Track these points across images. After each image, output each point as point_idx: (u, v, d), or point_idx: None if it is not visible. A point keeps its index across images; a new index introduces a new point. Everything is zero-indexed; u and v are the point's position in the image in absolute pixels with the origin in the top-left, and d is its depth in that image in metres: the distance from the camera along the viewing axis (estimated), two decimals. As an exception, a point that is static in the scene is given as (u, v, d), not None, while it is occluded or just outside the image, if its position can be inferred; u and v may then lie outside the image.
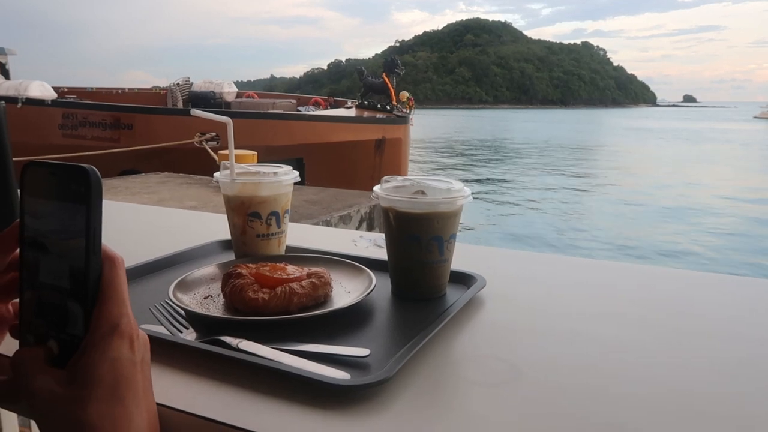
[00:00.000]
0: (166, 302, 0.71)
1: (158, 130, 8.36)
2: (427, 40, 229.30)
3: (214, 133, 7.82)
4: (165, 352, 0.60)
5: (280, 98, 13.31)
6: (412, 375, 0.58)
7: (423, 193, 0.76)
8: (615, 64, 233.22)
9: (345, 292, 0.77)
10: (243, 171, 0.89)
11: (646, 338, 0.68)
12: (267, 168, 0.90)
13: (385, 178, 0.79)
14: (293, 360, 0.58)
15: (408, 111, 10.52)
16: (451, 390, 0.57)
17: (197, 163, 7.17)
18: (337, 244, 1.05)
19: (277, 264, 0.79)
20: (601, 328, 0.70)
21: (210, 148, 7.39)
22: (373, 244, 1.06)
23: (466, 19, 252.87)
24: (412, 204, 0.74)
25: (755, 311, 0.78)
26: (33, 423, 1.32)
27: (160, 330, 0.64)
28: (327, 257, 0.86)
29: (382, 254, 0.95)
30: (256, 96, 13.94)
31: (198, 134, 7.76)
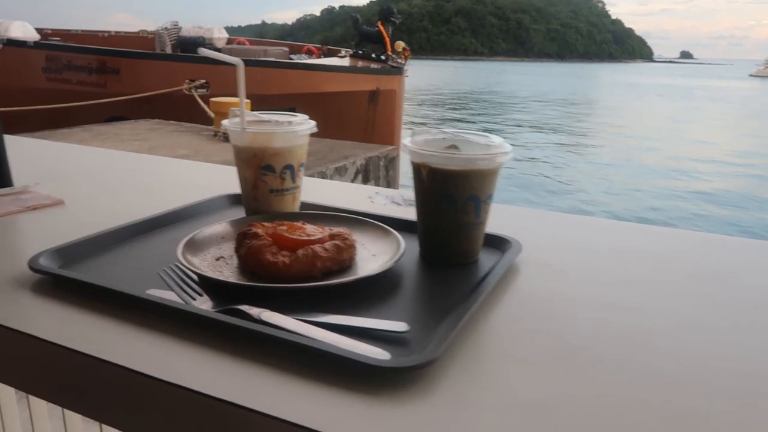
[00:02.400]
0: (176, 265, 0.63)
1: (146, 76, 8.10)
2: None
3: (204, 80, 7.59)
4: (177, 322, 0.54)
5: (272, 45, 12.91)
6: (453, 352, 0.52)
7: (457, 148, 0.68)
8: (613, 17, 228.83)
9: (370, 256, 0.70)
10: (254, 119, 0.81)
11: (699, 311, 0.62)
12: (281, 117, 0.81)
13: (415, 130, 0.71)
14: (323, 334, 0.51)
15: (403, 62, 10.26)
16: (499, 369, 0.50)
17: (186, 111, 6.99)
18: (352, 200, 0.98)
19: (295, 223, 0.71)
20: (648, 298, 0.65)
21: (199, 96, 7.19)
22: (390, 202, 0.99)
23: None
24: (448, 159, 0.66)
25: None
26: (30, 397, 1.27)
27: (171, 297, 0.58)
28: (348, 216, 0.78)
29: (402, 213, 0.89)
30: (247, 43, 13.52)
31: (187, 81, 7.53)
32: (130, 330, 0.53)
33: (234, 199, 0.91)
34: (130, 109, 7.55)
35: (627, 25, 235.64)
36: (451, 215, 0.68)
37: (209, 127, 6.08)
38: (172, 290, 0.58)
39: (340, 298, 0.61)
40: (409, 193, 1.04)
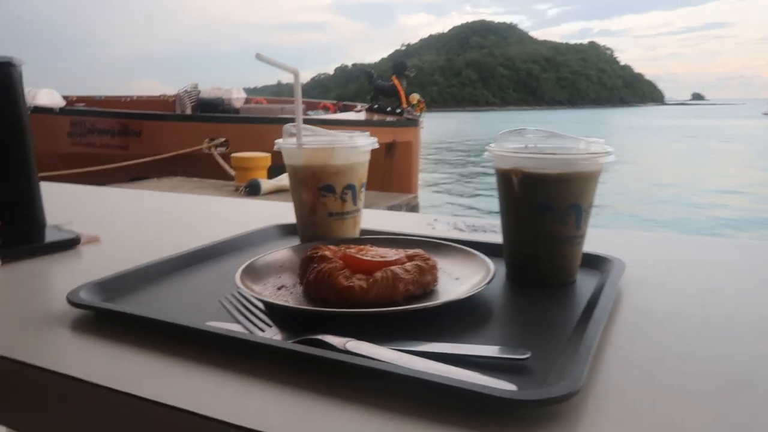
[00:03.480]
0: (237, 294, 0.55)
1: (166, 137, 8.24)
2: (433, 42, 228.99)
3: (223, 139, 7.70)
4: (248, 357, 0.45)
5: (289, 104, 13.16)
6: (589, 382, 0.42)
7: (545, 150, 0.60)
8: (622, 63, 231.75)
9: (453, 280, 0.61)
10: (311, 134, 0.73)
11: None
12: (340, 132, 0.74)
13: (499, 134, 0.62)
14: (426, 364, 0.42)
15: (418, 114, 10.35)
16: (651, 399, 0.40)
17: (207, 170, 7.05)
18: (411, 228, 0.89)
19: (363, 246, 0.63)
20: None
21: (219, 154, 7.27)
22: (453, 228, 0.90)
23: (471, 22, 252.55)
24: (545, 162, 0.57)
25: None
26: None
27: (237, 329, 0.48)
28: (422, 239, 0.69)
29: (470, 237, 0.80)
30: (264, 101, 13.81)
31: (207, 140, 7.65)
32: (189, 369, 0.44)
33: (285, 229, 0.82)
34: (152, 170, 7.64)
35: (636, 70, 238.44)
36: (548, 227, 0.59)
37: (231, 182, 6.10)
38: (237, 321, 0.49)
39: (428, 324, 0.51)
40: (471, 220, 0.96)
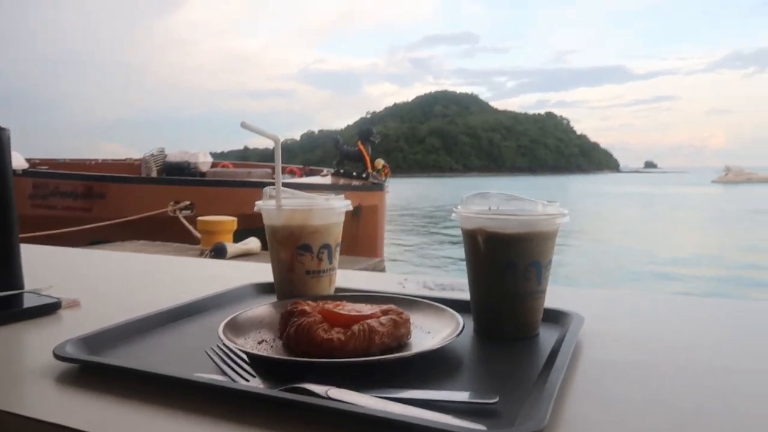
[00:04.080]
0: (222, 346, 0.57)
1: (132, 199, 8.15)
2: (397, 111, 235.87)
3: (188, 202, 7.67)
4: (234, 406, 0.47)
5: (256, 167, 13.25)
6: (555, 423, 0.45)
7: (507, 212, 0.66)
8: (578, 132, 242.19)
9: (425, 333, 0.65)
10: (290, 196, 0.78)
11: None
12: (316, 195, 0.79)
13: (464, 197, 0.68)
14: (403, 409, 0.45)
15: (384, 178, 10.55)
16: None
17: (172, 233, 6.97)
18: (382, 286, 0.93)
19: (339, 303, 0.66)
20: (723, 360, 0.60)
21: (183, 217, 7.22)
22: (422, 287, 0.94)
23: (434, 92, 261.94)
24: (507, 223, 0.63)
25: None
26: None
27: (222, 380, 0.51)
28: (394, 296, 0.73)
29: (439, 295, 0.84)
30: (231, 165, 13.87)
31: (172, 203, 7.60)
32: (178, 419, 0.46)
33: (262, 288, 0.85)
34: (114, 233, 7.50)
35: (592, 139, 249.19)
36: (511, 283, 0.64)
37: (195, 246, 6.04)
38: (223, 372, 0.52)
39: (404, 373, 0.55)
40: (440, 279, 1.00)
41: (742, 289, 9.99)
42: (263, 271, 0.97)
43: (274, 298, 0.80)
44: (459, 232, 0.69)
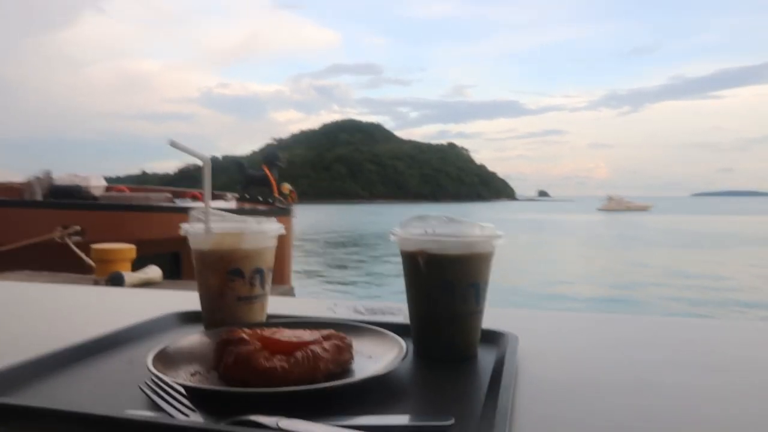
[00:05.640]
0: (154, 380, 0.53)
1: (11, 226, 7.46)
2: (303, 138, 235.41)
3: (78, 227, 7.13)
4: (175, 443, 0.43)
5: (154, 192, 12.62)
6: (507, 443, 0.46)
7: (446, 234, 0.66)
8: (478, 162, 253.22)
9: (366, 358, 0.63)
10: (219, 220, 0.74)
11: (694, 382, 0.61)
12: (247, 218, 0.76)
13: (403, 220, 0.68)
14: (359, 437, 0.43)
15: (290, 203, 10.42)
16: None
17: (61, 261, 6.43)
18: (312, 312, 0.91)
19: (276, 329, 0.64)
20: (657, 376, 0.63)
21: (73, 243, 6.69)
22: (353, 311, 0.93)
23: (340, 120, 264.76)
24: (447, 245, 0.64)
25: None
26: None
27: (157, 415, 0.47)
28: (331, 321, 0.71)
29: (373, 319, 0.83)
30: (127, 190, 13.12)
31: (60, 228, 7.03)
32: (109, 460, 0.42)
33: (186, 317, 0.80)
34: (-6, 263, 6.81)
35: (490, 169, 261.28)
36: (452, 304, 0.64)
37: (89, 276, 5.61)
38: (159, 407, 0.47)
39: (352, 400, 0.53)
40: (370, 303, 0.99)
41: (627, 306, 10.82)
42: (185, 299, 0.92)
43: (201, 328, 0.75)
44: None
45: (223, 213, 0.75)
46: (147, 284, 4.89)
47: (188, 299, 0.93)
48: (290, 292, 6.09)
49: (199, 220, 0.73)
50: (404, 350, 0.60)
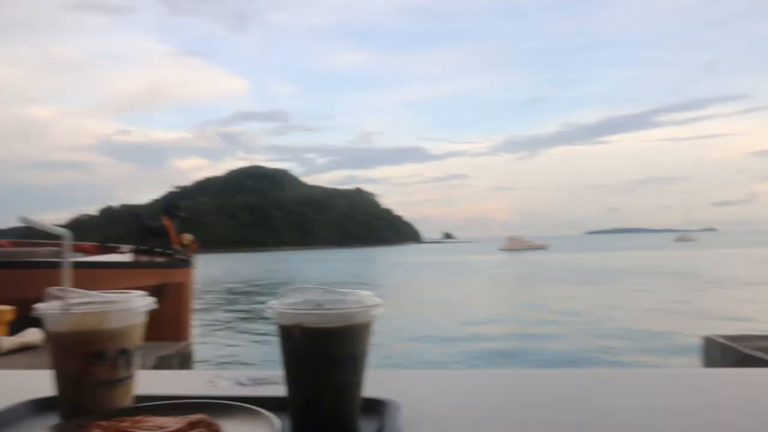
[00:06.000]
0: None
1: None
2: (207, 185, 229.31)
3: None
4: None
5: (40, 246, 11.68)
6: None
7: (323, 306, 0.65)
8: (384, 206, 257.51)
9: (238, 443, 0.59)
10: (80, 297, 0.68)
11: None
12: (111, 294, 0.70)
13: (280, 292, 0.66)
14: None
15: (191, 254, 10.01)
16: None
17: None
18: (190, 388, 0.85)
19: (138, 418, 0.59)
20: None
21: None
22: (236, 383, 0.88)
23: (246, 167, 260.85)
24: (323, 317, 0.62)
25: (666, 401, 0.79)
26: None
27: None
28: (202, 402, 0.67)
29: (254, 393, 0.80)
30: (8, 244, 12.07)
31: None
32: None
33: (40, 405, 0.72)
34: None
35: (397, 213, 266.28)
36: (329, 378, 0.62)
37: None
38: None
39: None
40: (254, 373, 0.95)
41: (536, 342, 11.24)
42: (45, 381, 0.83)
43: (57, 418, 0.68)
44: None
45: (86, 291, 0.69)
46: (26, 348, 4.46)
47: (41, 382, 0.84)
48: (187, 350, 5.77)
49: (56, 297, 0.67)
50: (276, 430, 0.57)
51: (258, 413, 0.63)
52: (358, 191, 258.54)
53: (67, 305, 0.66)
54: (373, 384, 0.72)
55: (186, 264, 9.51)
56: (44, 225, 0.65)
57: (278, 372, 0.93)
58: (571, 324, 13.24)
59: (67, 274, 0.68)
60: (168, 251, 9.59)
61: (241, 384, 0.88)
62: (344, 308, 0.63)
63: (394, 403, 0.69)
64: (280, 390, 0.82)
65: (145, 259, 9.50)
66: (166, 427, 0.55)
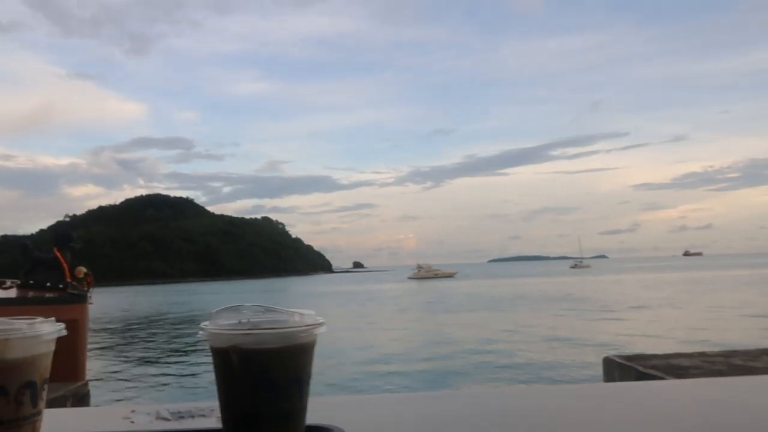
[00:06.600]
0: None
1: None
2: (103, 214, 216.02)
3: None
4: None
5: None
6: None
7: (261, 326, 0.60)
8: (294, 236, 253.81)
9: (169, 481, 0.53)
10: (-25, 325, 0.59)
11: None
12: (14, 319, 0.62)
13: (214, 311, 0.61)
14: None
15: (86, 288, 9.34)
16: None
17: None
18: (104, 425, 0.77)
19: (50, 459, 0.51)
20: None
21: None
22: (155, 418, 0.80)
23: (146, 195, 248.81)
24: (264, 337, 0.57)
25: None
26: None
27: None
28: (124, 437, 0.59)
29: (178, 427, 0.73)
30: None
31: None
32: None
33: None
34: None
35: (306, 242, 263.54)
36: (271, 404, 0.57)
37: None
38: None
39: None
40: (174, 406, 0.87)
41: (451, 377, 11.39)
42: None
43: (-58, 468, 0.58)
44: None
45: (-19, 316, 0.60)
46: None
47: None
48: (85, 390, 5.34)
49: (-56, 325, 0.58)
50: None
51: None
52: (266, 220, 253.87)
53: (-41, 334, 0.57)
54: (312, 410, 0.68)
55: (81, 299, 8.84)
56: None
57: (200, 404, 0.86)
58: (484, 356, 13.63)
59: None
60: (60, 285, 8.87)
61: (163, 418, 0.80)
62: (286, 327, 0.59)
63: (338, 429, 0.65)
64: (208, 423, 0.76)
65: (32, 294, 8.73)
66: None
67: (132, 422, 0.78)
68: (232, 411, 0.59)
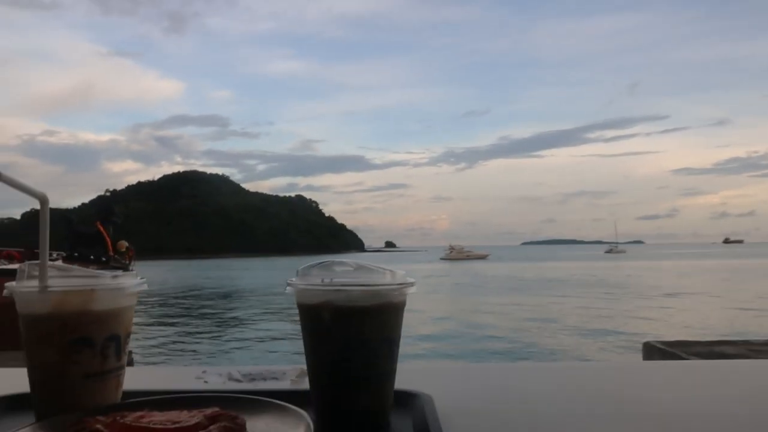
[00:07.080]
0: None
1: None
2: (142, 190, 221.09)
3: None
4: None
5: (-22, 250, 10.83)
6: None
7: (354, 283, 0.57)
8: (327, 215, 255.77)
9: (262, 439, 0.51)
10: (60, 274, 0.58)
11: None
12: (99, 271, 0.60)
13: (301, 268, 0.58)
14: None
15: (128, 262, 9.54)
16: None
17: None
18: (178, 384, 0.75)
19: (142, 413, 0.49)
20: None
21: None
22: (228, 379, 0.79)
23: (183, 171, 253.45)
24: (356, 295, 0.54)
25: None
26: None
27: None
28: (211, 395, 0.58)
29: (252, 387, 0.71)
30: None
31: None
32: None
33: (9, 403, 0.61)
34: None
35: (339, 221, 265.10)
36: (363, 364, 0.54)
37: None
38: None
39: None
40: (244, 368, 0.85)
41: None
42: (11, 378, 0.72)
43: (31, 417, 0.57)
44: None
45: (68, 266, 0.59)
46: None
47: (7, 379, 0.72)
48: (129, 357, 5.48)
49: (31, 276, 0.57)
50: (311, 427, 0.49)
51: (283, 408, 0.55)
52: (300, 198, 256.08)
53: (45, 283, 0.56)
54: (399, 375, 0.65)
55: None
56: (22, 184, 0.54)
57: (272, 367, 0.84)
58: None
59: (44, 245, 0.57)
60: (103, 259, 9.09)
61: (235, 379, 0.79)
62: (378, 285, 0.56)
63: (427, 396, 0.62)
64: (281, 385, 0.74)
65: (76, 266, 8.98)
66: (180, 421, 0.46)
67: (205, 382, 0.77)
68: (322, 371, 0.56)
